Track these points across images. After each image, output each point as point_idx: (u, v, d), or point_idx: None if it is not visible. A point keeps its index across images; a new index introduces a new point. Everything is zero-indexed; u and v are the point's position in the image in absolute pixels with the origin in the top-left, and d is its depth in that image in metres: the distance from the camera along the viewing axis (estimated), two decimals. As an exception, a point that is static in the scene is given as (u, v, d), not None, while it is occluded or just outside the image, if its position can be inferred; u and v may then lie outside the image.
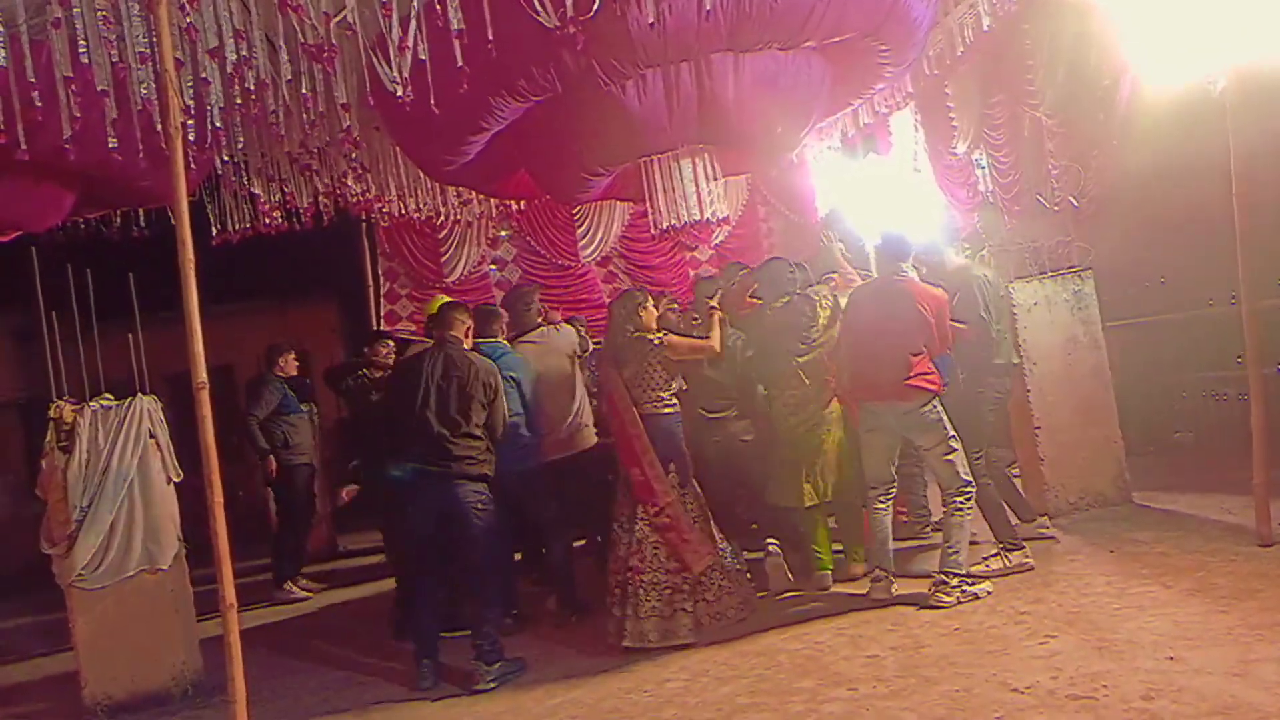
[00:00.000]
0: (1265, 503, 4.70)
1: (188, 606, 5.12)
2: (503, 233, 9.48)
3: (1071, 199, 6.64)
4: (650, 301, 5.07)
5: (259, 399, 7.21)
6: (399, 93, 3.90)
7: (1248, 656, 3.41)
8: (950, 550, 4.62)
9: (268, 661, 5.49)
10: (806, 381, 5.20)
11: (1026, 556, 4.90)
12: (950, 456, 4.67)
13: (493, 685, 4.47)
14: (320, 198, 6.65)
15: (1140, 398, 7.12)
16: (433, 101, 3.85)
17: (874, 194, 7.79)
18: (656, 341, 4.85)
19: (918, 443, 4.83)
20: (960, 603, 4.51)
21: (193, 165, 4.68)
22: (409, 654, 4.85)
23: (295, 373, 7.46)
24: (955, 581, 4.58)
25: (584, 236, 9.43)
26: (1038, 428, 5.91)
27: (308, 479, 7.44)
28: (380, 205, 7.05)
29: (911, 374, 4.66)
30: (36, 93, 3.78)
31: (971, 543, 4.79)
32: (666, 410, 4.85)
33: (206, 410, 3.54)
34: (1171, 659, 3.50)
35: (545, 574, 5.90)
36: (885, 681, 3.77)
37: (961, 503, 4.66)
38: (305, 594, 7.33)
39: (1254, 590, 4.06)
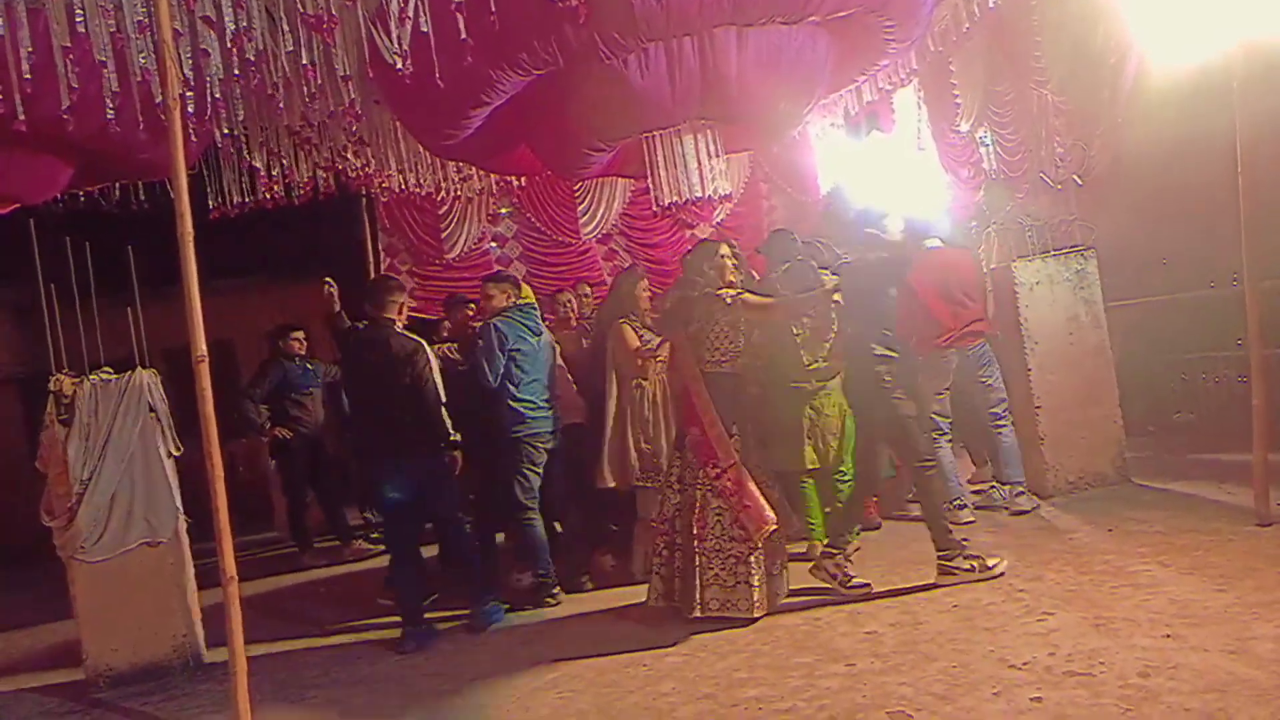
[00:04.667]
0: (1264, 483, 4.71)
1: (188, 579, 5.15)
2: (503, 209, 9.42)
3: (1075, 177, 6.60)
4: (730, 256, 4.84)
5: (256, 379, 7.50)
6: (399, 65, 3.86)
7: (1244, 634, 3.42)
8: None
9: (269, 633, 5.52)
10: (804, 346, 5.25)
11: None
12: None
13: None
14: (320, 172, 6.60)
15: (1141, 378, 7.11)
16: (435, 74, 3.82)
17: (877, 171, 7.75)
18: (729, 300, 4.67)
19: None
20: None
21: (192, 137, 4.64)
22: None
23: (302, 351, 7.50)
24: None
25: (585, 213, 9.36)
26: (1038, 407, 5.92)
27: (306, 454, 7.47)
28: (380, 180, 7.01)
29: None
30: (33, 63, 3.74)
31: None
32: (728, 369, 4.73)
33: (206, 384, 3.55)
34: (1169, 637, 3.51)
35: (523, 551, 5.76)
36: (883, 657, 3.79)
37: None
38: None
39: (1252, 569, 4.08)
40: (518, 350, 5.36)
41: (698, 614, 4.49)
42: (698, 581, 4.52)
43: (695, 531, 4.55)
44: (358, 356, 5.14)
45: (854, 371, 4.94)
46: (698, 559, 4.53)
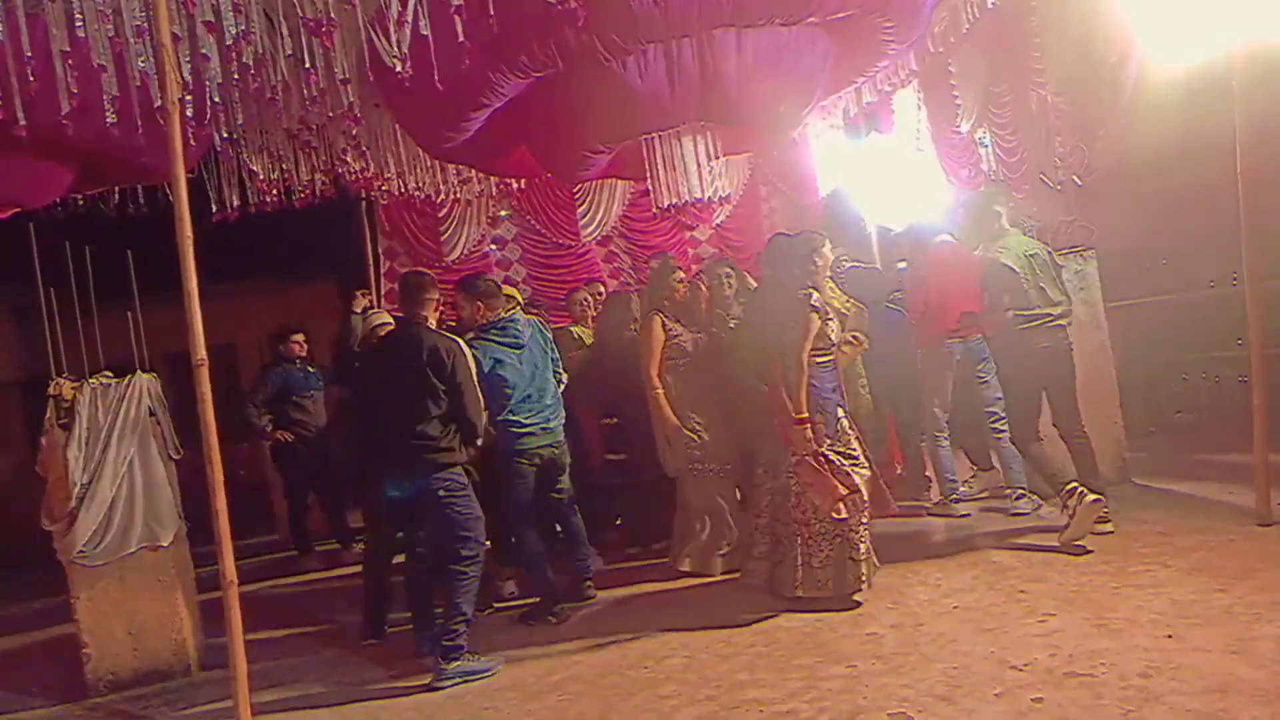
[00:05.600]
0: (1265, 483, 4.71)
1: (189, 583, 5.15)
2: (503, 212, 9.42)
3: (1075, 178, 6.61)
4: (827, 249, 4.89)
5: (257, 384, 7.48)
6: (398, 68, 3.87)
7: (1246, 635, 3.42)
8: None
9: (271, 638, 5.52)
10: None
11: None
12: None
13: (447, 684, 4.26)
14: (319, 175, 6.60)
15: (1142, 378, 7.12)
16: (434, 77, 3.82)
17: (876, 173, 7.77)
18: (815, 300, 4.68)
19: None
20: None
21: (192, 141, 4.64)
22: (412, 631, 4.88)
23: (303, 354, 7.51)
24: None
25: (584, 215, 9.36)
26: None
27: (307, 457, 7.46)
28: (380, 183, 7.02)
29: None
30: (33, 68, 3.75)
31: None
32: (822, 361, 4.70)
33: (206, 388, 3.55)
34: (1170, 637, 3.51)
35: (510, 559, 5.64)
36: (884, 659, 3.79)
37: None
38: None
39: (1253, 570, 4.07)
40: (500, 375, 4.98)
41: (800, 594, 4.56)
42: (800, 564, 4.59)
43: (797, 516, 4.63)
44: (381, 363, 4.69)
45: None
46: (800, 543, 4.60)
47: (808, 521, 4.60)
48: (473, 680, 4.31)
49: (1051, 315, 5.19)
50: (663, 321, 5.49)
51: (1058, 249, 6.11)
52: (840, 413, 4.69)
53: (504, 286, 5.49)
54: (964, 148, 7.35)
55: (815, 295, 4.68)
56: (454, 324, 5.42)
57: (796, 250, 4.80)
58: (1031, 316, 5.16)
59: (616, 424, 6.23)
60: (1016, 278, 5.17)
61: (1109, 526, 4.94)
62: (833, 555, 4.55)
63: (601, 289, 7.16)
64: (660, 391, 5.41)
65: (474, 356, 4.77)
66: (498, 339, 5.06)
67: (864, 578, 4.53)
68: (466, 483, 4.56)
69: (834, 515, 4.49)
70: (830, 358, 4.74)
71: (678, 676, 3.98)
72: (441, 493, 4.44)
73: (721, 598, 4.97)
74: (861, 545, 4.54)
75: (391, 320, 5.32)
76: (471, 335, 5.01)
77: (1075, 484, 4.94)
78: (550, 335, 5.49)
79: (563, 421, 5.29)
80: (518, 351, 5.11)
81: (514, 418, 5.05)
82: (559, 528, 5.80)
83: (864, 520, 4.57)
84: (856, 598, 4.50)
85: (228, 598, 3.55)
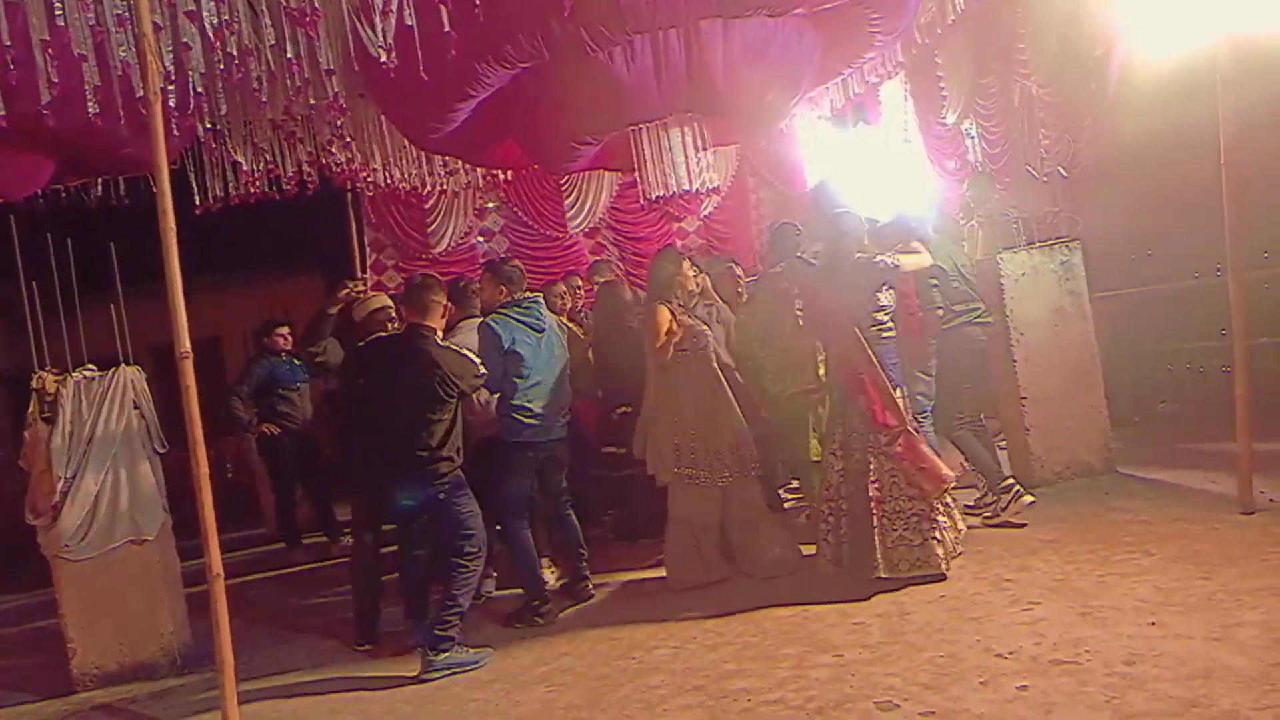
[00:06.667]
0: (1248, 472, 4.75)
1: (175, 577, 5.12)
2: (490, 203, 9.40)
3: (1060, 169, 6.63)
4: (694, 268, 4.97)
5: (243, 377, 7.45)
6: (384, 58, 3.85)
7: (1228, 621, 3.45)
8: None
9: (259, 631, 5.50)
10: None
11: None
12: None
13: (435, 675, 4.27)
14: (305, 166, 6.56)
15: (1127, 368, 7.16)
16: (420, 68, 3.80)
17: (864, 164, 7.78)
18: (889, 262, 4.71)
19: None
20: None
21: (175, 132, 4.61)
22: (399, 619, 4.88)
23: (288, 347, 7.47)
24: None
25: (572, 207, 9.35)
26: (1024, 398, 5.95)
27: (294, 451, 7.43)
28: (366, 174, 6.98)
29: None
30: (12, 57, 3.70)
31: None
32: (887, 336, 4.73)
33: (190, 380, 3.53)
34: (1153, 624, 3.54)
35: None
36: (871, 648, 3.81)
37: None
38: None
39: (1235, 557, 4.11)
40: (516, 352, 4.89)
41: (882, 574, 4.50)
42: (878, 544, 4.53)
43: (872, 495, 4.58)
44: (384, 368, 4.62)
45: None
46: (876, 522, 4.55)
47: (883, 500, 4.58)
48: (461, 672, 4.31)
49: (980, 309, 5.56)
50: (670, 311, 5.16)
51: (1044, 240, 6.16)
52: (899, 391, 4.72)
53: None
54: (951, 139, 7.37)
55: (885, 259, 4.73)
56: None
57: (851, 226, 4.83)
58: (960, 311, 5.51)
59: (619, 416, 6.06)
60: (947, 276, 5.47)
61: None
62: (906, 535, 4.53)
63: (579, 282, 7.01)
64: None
65: (496, 333, 4.80)
66: (520, 317, 4.97)
67: (944, 556, 4.53)
68: (463, 479, 4.56)
69: (930, 495, 4.52)
70: (892, 332, 4.77)
71: (666, 667, 4.00)
72: (442, 495, 4.47)
73: (709, 588, 4.98)
74: (942, 519, 4.57)
75: (390, 303, 5.28)
76: (492, 313, 4.98)
77: (1013, 480, 5.30)
78: (566, 334, 5.35)
79: (566, 420, 5.19)
80: (538, 335, 5.00)
81: (524, 404, 4.91)
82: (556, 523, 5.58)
83: (946, 499, 4.63)
84: (944, 570, 4.51)
85: (214, 591, 3.53)
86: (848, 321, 4.70)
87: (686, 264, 5.35)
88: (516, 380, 4.91)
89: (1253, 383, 4.82)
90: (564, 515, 5.27)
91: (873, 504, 4.58)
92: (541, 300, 5.21)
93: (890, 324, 4.75)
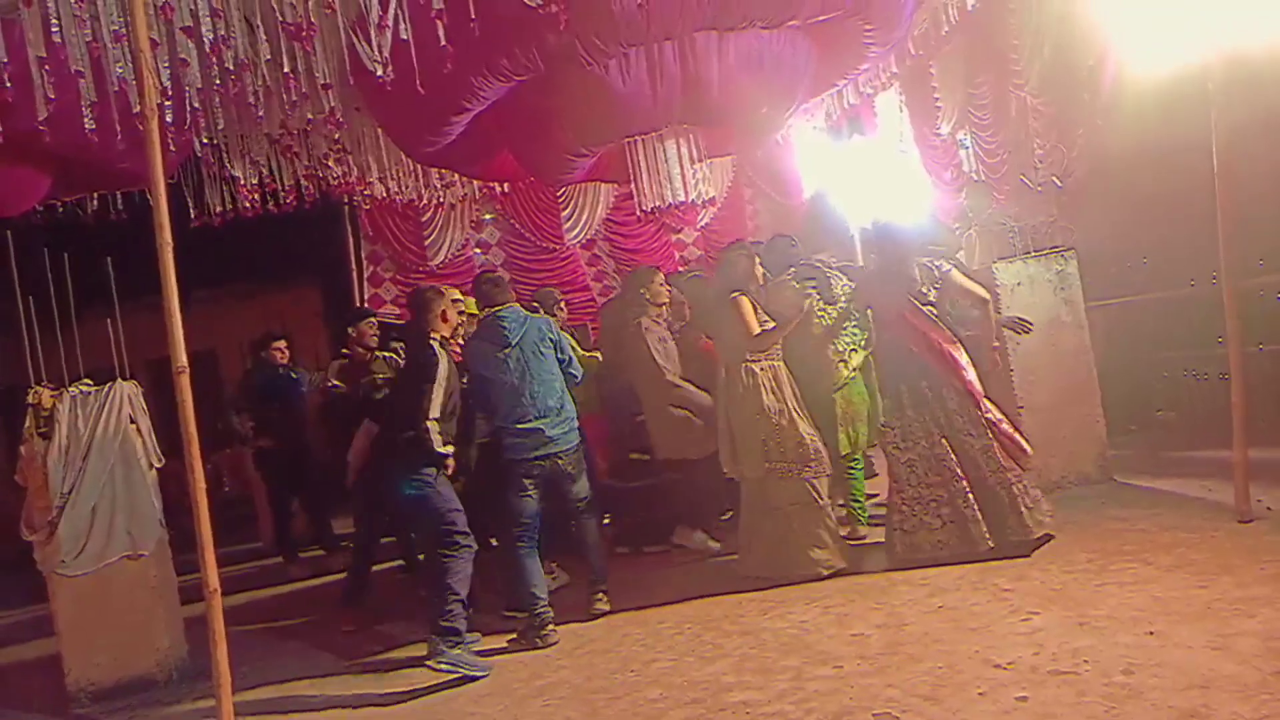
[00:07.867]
0: (1244, 480, 4.74)
1: (171, 592, 5.11)
2: (487, 216, 9.42)
3: (1055, 179, 6.65)
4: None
5: (239, 390, 7.57)
6: (379, 72, 3.86)
7: (1226, 630, 3.44)
8: None
9: (256, 646, 5.47)
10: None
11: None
12: None
13: (444, 665, 4.29)
14: (302, 180, 6.58)
15: (1123, 377, 7.16)
16: (416, 81, 3.81)
17: (859, 175, 7.81)
18: (947, 269, 5.05)
19: None
20: None
21: (171, 147, 4.61)
22: (395, 636, 4.87)
23: (285, 360, 7.47)
24: None
25: (569, 219, 9.37)
26: (1020, 407, 5.94)
27: (290, 464, 7.42)
28: (363, 188, 7.00)
29: None
30: (9, 73, 3.72)
31: None
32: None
33: (187, 395, 3.52)
34: (1151, 634, 3.53)
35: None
36: (869, 659, 3.80)
37: None
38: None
39: (1233, 566, 4.10)
40: (482, 375, 4.90)
41: (989, 545, 4.70)
42: (978, 517, 4.74)
43: (961, 473, 4.80)
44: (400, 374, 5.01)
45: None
46: (970, 498, 4.76)
47: (968, 476, 4.80)
48: (463, 672, 4.34)
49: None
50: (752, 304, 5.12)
51: (1039, 249, 6.17)
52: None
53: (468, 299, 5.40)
54: (946, 150, 7.40)
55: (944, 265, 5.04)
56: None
57: (908, 238, 5.13)
58: None
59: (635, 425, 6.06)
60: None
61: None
62: (998, 508, 4.75)
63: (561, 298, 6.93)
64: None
65: (454, 363, 4.78)
66: (485, 339, 4.92)
67: (1032, 524, 4.75)
68: (434, 477, 4.57)
69: (1018, 466, 4.81)
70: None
71: (663, 680, 3.98)
72: (411, 492, 4.58)
73: (706, 600, 4.96)
74: (1028, 495, 4.81)
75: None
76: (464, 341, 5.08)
77: None
78: (558, 335, 5.11)
79: (573, 428, 4.99)
80: (504, 350, 4.84)
81: (507, 424, 4.85)
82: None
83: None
84: (1037, 536, 4.74)
85: (211, 606, 3.52)
86: (911, 310, 4.93)
87: (660, 279, 5.70)
88: (498, 396, 4.88)
89: (1248, 390, 4.83)
90: (581, 523, 5.09)
91: (963, 481, 4.79)
92: (511, 314, 4.94)
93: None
